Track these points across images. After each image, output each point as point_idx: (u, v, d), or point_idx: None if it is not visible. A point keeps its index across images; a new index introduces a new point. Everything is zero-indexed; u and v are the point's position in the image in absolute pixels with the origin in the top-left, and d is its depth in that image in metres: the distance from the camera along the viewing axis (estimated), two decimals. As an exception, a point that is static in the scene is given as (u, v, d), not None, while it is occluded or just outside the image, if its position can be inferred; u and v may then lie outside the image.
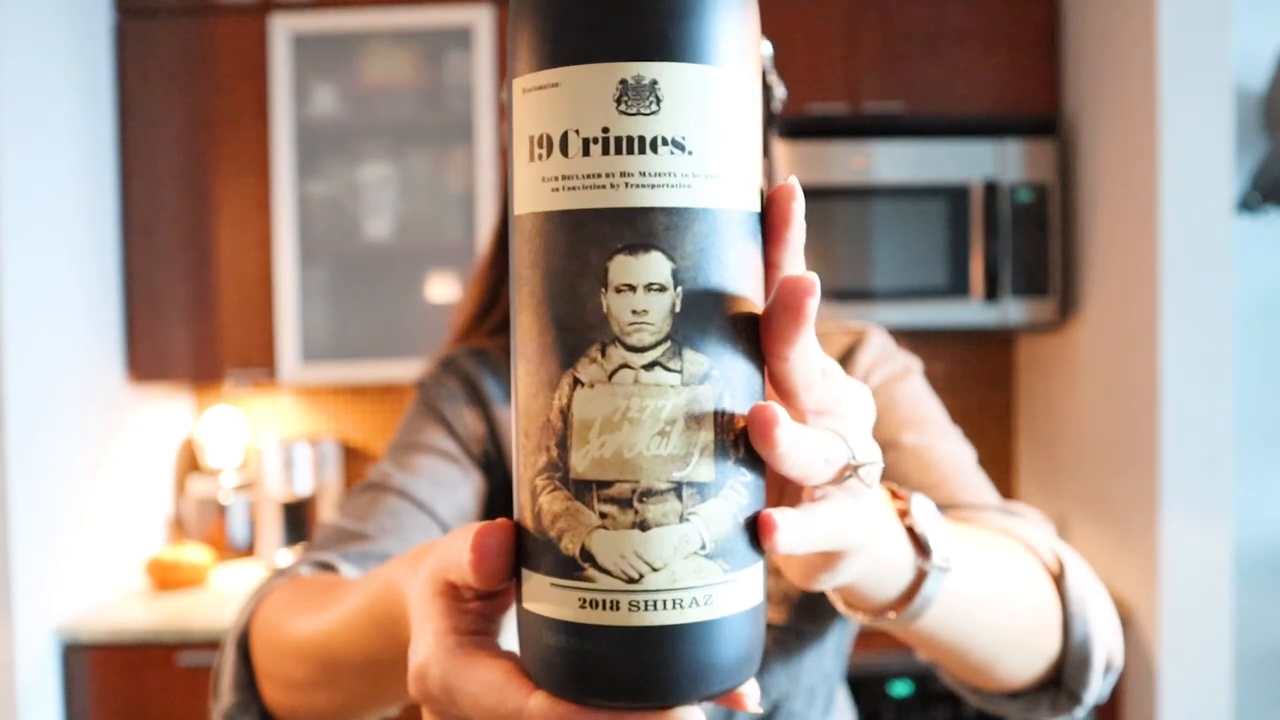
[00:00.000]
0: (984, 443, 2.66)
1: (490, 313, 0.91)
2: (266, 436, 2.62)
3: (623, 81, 0.32)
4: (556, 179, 0.33)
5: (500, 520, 0.35)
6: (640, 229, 0.32)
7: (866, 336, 0.85)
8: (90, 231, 2.31)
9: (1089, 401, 2.27)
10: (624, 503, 0.32)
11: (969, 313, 2.31)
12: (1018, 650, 0.62)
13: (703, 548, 0.33)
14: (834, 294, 2.20)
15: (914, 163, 2.29)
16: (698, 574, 0.33)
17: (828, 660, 0.84)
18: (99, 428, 2.31)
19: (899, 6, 2.35)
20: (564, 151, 0.33)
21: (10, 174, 2.02)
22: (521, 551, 0.35)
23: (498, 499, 0.83)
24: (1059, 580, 0.64)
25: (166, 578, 2.33)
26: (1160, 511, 1.93)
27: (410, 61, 2.42)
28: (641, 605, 0.32)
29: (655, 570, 0.32)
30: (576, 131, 0.33)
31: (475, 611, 0.38)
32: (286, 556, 2.46)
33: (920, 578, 0.50)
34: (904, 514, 0.49)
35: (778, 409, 0.33)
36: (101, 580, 2.29)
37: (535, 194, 0.34)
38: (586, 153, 0.33)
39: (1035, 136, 2.30)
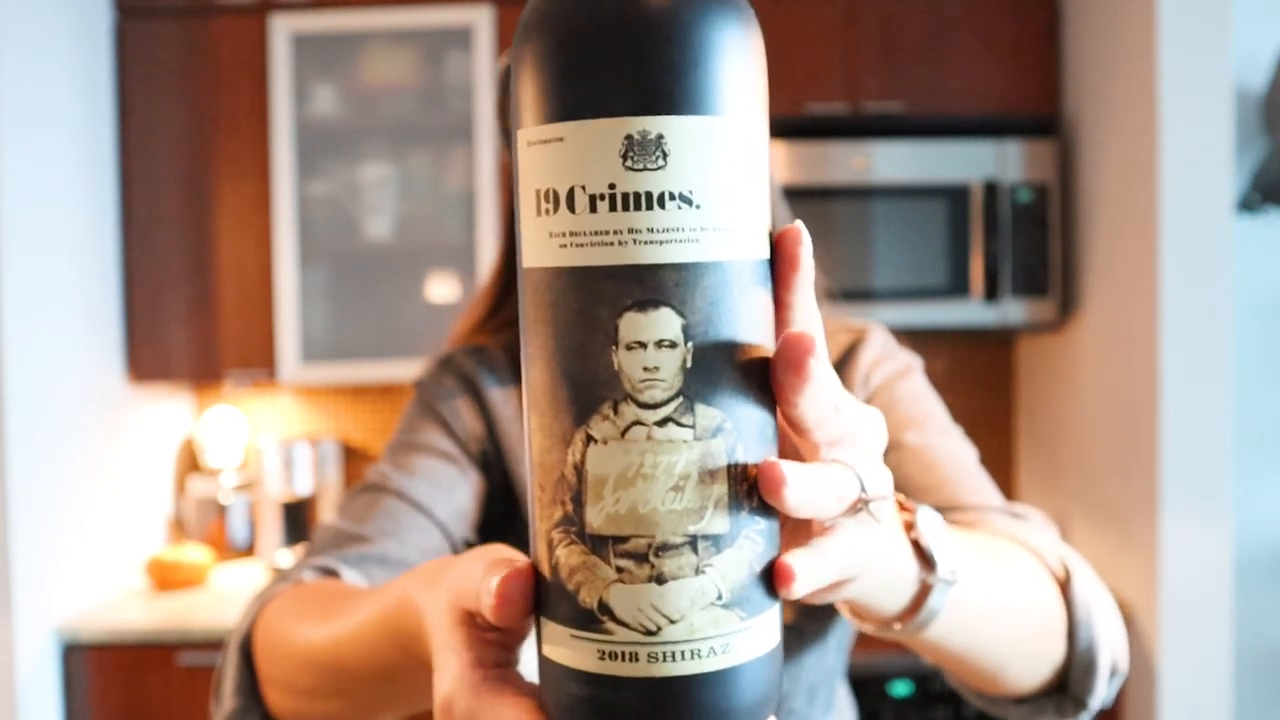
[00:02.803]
0: (984, 443, 2.65)
1: (494, 317, 0.90)
2: (266, 436, 2.62)
3: (628, 137, 0.32)
4: (564, 235, 0.33)
5: (523, 565, 0.36)
6: (649, 286, 0.32)
7: (868, 334, 0.85)
8: (90, 231, 2.31)
9: (1089, 401, 2.27)
10: (640, 557, 0.33)
11: (969, 313, 2.31)
12: (1023, 657, 0.62)
13: (719, 598, 0.33)
14: (834, 294, 2.20)
15: (914, 163, 2.29)
16: (715, 624, 0.33)
17: (829, 658, 0.84)
18: (99, 428, 2.31)
19: (899, 6, 2.35)
20: (571, 207, 0.33)
21: (10, 174, 2.02)
22: (540, 599, 0.36)
23: (496, 498, 0.83)
24: (1065, 586, 0.64)
25: (166, 578, 2.32)
26: (1160, 511, 1.93)
27: (410, 61, 2.42)
28: (660, 656, 0.33)
29: (673, 622, 0.33)
30: (583, 187, 0.33)
31: (496, 642, 0.39)
32: (286, 556, 2.46)
33: (925, 590, 0.50)
34: (910, 527, 0.49)
35: (785, 470, 0.33)
36: (101, 580, 2.29)
37: (543, 249, 0.34)
38: (594, 209, 0.32)
39: (1035, 136, 2.30)
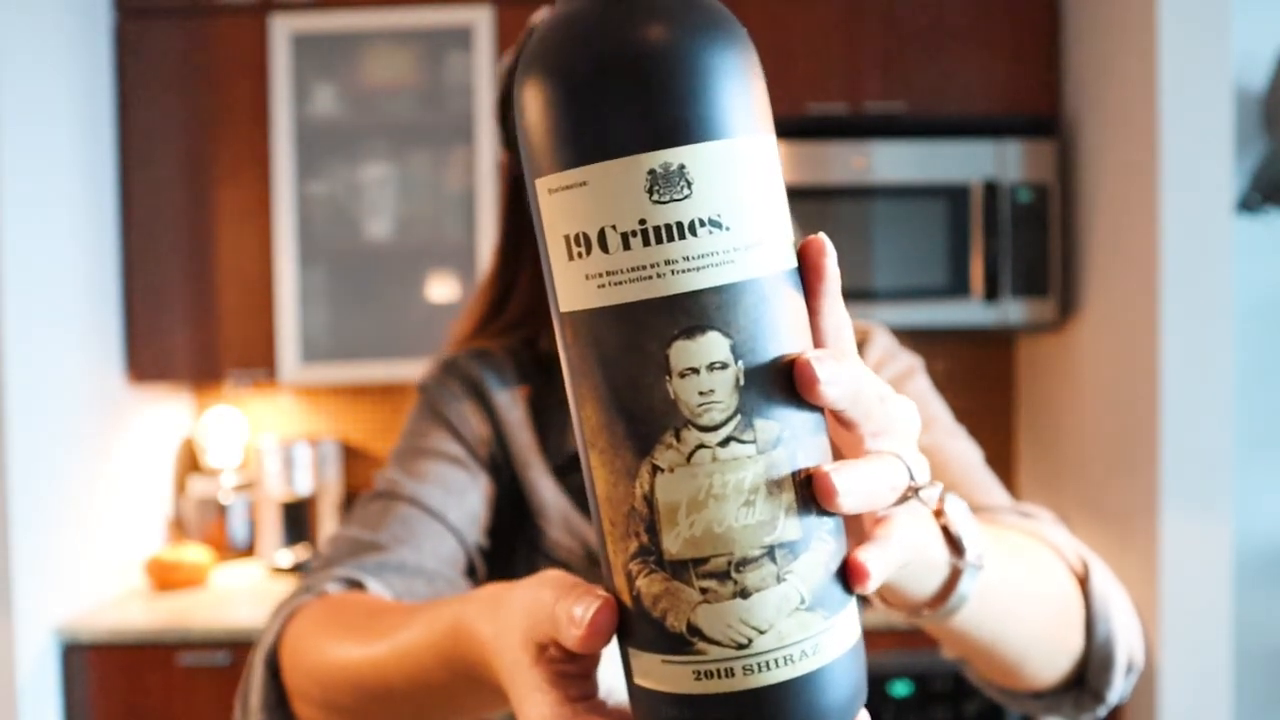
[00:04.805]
0: (984, 443, 2.64)
1: (495, 320, 0.90)
2: (266, 436, 2.62)
3: (651, 172, 0.33)
4: (601, 275, 0.34)
5: (606, 596, 0.37)
6: (693, 313, 0.33)
7: (871, 336, 0.85)
8: (90, 231, 2.31)
9: (1089, 401, 2.28)
10: (722, 575, 0.34)
11: (969, 313, 2.31)
12: (1044, 649, 0.63)
13: (802, 602, 0.34)
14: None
15: (914, 163, 2.29)
16: (802, 628, 0.34)
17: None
18: (99, 428, 2.31)
19: (899, 6, 2.35)
20: (604, 248, 0.33)
21: (10, 174, 2.01)
22: (624, 630, 0.36)
23: (505, 501, 0.83)
24: (1083, 581, 0.65)
25: (166, 578, 2.32)
26: (1160, 511, 1.93)
27: (410, 61, 2.42)
28: (755, 668, 0.34)
29: (762, 633, 0.34)
30: (613, 227, 0.33)
31: (575, 674, 0.40)
32: (286, 556, 2.46)
33: (955, 575, 0.51)
34: (938, 513, 0.50)
35: (834, 479, 0.34)
36: (101, 580, 2.29)
37: (581, 292, 0.34)
38: (627, 246, 0.33)
39: (1035, 136, 2.30)
